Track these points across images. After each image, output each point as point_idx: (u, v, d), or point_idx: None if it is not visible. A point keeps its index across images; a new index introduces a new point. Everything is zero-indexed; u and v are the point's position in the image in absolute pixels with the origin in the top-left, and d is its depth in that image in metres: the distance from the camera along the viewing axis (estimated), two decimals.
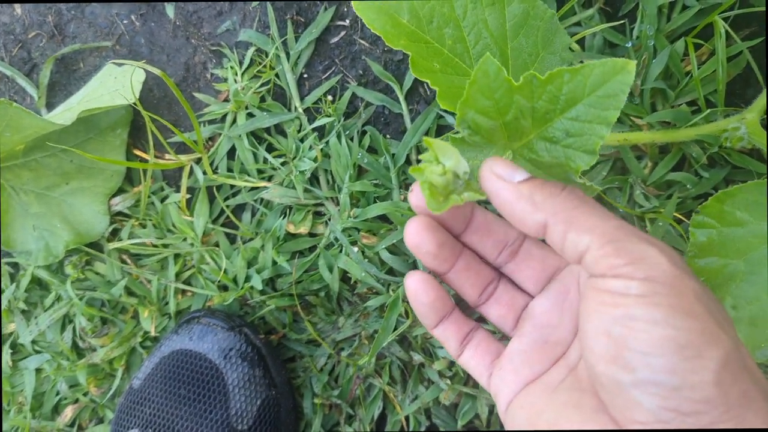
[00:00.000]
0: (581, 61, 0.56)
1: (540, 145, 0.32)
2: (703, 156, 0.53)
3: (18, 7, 0.65)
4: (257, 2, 0.62)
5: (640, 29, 0.54)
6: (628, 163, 0.55)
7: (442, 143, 0.31)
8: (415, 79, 0.58)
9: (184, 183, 0.62)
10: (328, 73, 0.62)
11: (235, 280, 0.61)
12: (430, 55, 0.40)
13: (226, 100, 0.62)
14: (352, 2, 0.40)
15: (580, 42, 0.56)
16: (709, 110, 0.52)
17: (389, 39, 0.39)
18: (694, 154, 0.53)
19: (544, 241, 0.32)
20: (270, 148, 0.61)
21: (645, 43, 0.54)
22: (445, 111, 0.58)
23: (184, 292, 0.63)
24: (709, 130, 0.50)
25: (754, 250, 0.38)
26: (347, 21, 0.61)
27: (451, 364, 0.57)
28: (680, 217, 0.53)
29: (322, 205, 0.61)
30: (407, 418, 0.60)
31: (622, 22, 0.55)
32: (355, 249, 0.58)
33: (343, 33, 0.61)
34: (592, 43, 0.56)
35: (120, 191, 0.63)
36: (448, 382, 0.57)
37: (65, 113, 0.57)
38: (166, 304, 0.63)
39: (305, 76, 0.62)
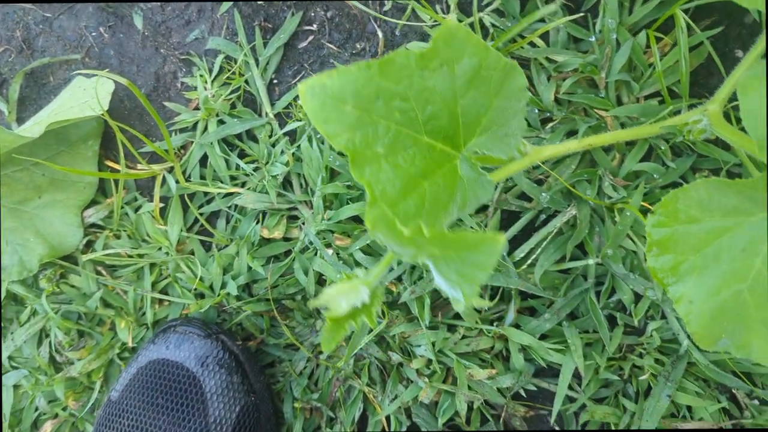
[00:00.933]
0: (546, 57, 0.56)
1: (441, 263, 0.36)
2: (668, 147, 0.53)
3: None
4: (225, 11, 0.62)
5: (602, 23, 0.55)
6: (596, 157, 0.55)
7: (336, 290, 0.40)
8: None
9: (157, 192, 0.62)
10: (297, 78, 0.62)
11: (211, 288, 0.61)
12: (375, 139, 0.40)
13: (197, 108, 0.62)
14: (299, 90, 0.39)
15: (545, 38, 0.57)
16: (673, 103, 0.53)
17: (332, 135, 0.39)
18: (662, 146, 0.54)
19: None
20: (242, 154, 0.61)
21: (607, 36, 0.54)
22: None
23: (161, 301, 0.63)
24: (673, 123, 0.50)
25: (708, 245, 0.39)
26: (315, 26, 0.61)
27: (429, 362, 0.57)
28: (647, 206, 0.53)
29: (296, 209, 0.61)
30: (388, 419, 0.59)
31: (582, 14, 0.55)
32: (330, 251, 0.58)
33: (311, 38, 0.61)
34: (557, 39, 0.56)
35: (93, 203, 0.63)
36: (426, 380, 0.57)
37: (34, 127, 0.57)
38: (143, 314, 0.62)
39: (275, 81, 0.62)
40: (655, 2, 0.54)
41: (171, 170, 0.62)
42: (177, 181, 0.61)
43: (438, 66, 0.41)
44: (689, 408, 0.55)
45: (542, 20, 0.57)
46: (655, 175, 0.53)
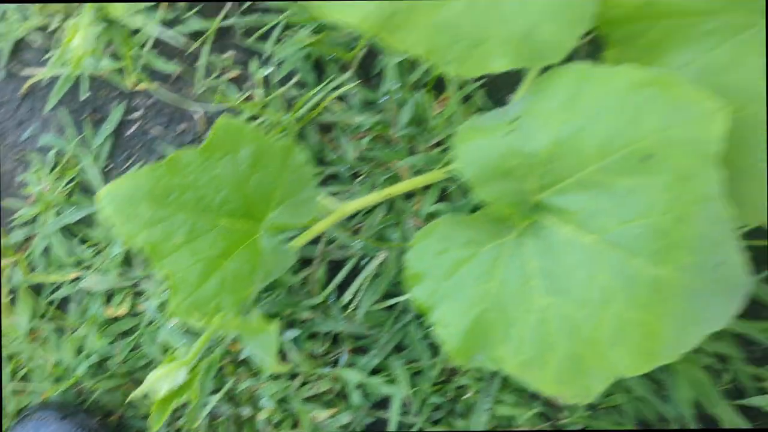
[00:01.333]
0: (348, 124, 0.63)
1: (243, 337, 0.45)
2: (456, 187, 0.60)
3: None
4: (51, 108, 0.66)
5: (387, 86, 0.62)
6: (398, 204, 0.61)
7: (155, 376, 0.47)
8: None
9: (4, 286, 0.65)
10: (129, 162, 0.66)
11: (68, 370, 0.64)
12: (172, 230, 0.45)
13: (36, 201, 0.66)
14: (97, 200, 0.45)
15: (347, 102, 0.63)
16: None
17: (130, 235, 0.44)
18: (452, 186, 0.61)
19: None
20: (85, 239, 0.65)
21: (393, 96, 0.61)
22: None
23: (22, 390, 0.65)
24: (452, 168, 0.57)
25: (454, 273, 0.45)
26: (139, 113, 0.66)
27: (274, 411, 0.62)
28: None
29: (139, 284, 0.65)
30: None
31: (362, 80, 0.62)
32: (173, 322, 0.62)
33: (137, 124, 0.66)
34: (353, 103, 0.63)
35: None
36: (273, 429, 0.61)
37: None
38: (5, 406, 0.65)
39: (110, 167, 0.66)
40: (426, 66, 0.61)
41: (17, 263, 0.65)
42: (22, 274, 0.64)
43: (221, 156, 0.46)
44: (511, 418, 0.61)
45: (338, 87, 0.63)
46: (446, 214, 0.60)
